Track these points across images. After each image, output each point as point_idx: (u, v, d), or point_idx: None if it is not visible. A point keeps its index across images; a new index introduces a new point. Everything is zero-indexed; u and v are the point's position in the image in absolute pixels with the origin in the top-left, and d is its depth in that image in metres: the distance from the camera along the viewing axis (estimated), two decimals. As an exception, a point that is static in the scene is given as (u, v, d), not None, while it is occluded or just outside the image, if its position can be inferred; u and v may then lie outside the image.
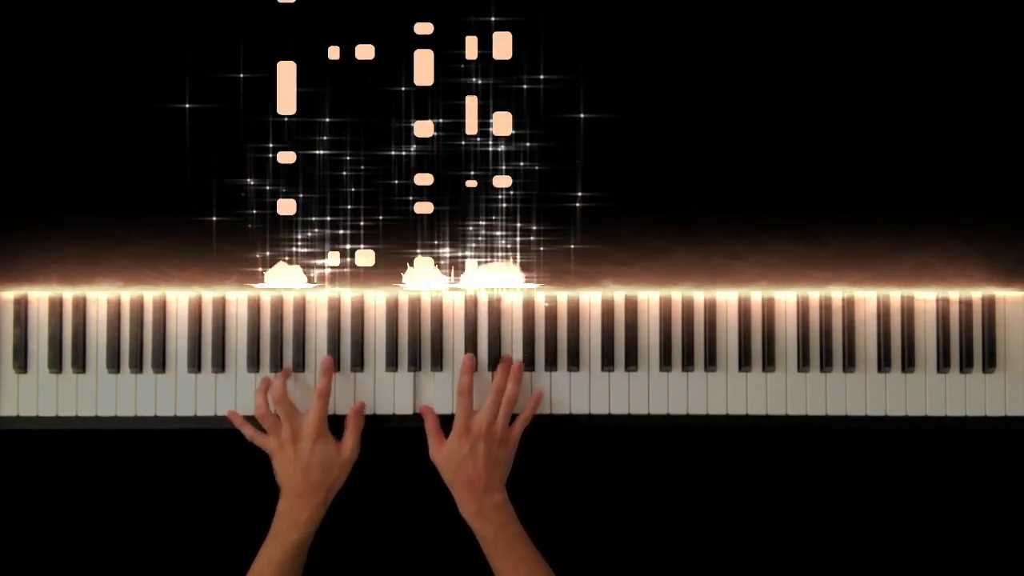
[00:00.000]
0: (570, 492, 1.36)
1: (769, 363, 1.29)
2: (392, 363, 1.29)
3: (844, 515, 1.36)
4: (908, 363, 1.29)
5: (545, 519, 1.31)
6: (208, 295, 1.29)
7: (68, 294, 1.29)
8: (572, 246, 1.28)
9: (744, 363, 1.29)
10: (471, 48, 1.28)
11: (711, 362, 1.29)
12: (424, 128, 1.28)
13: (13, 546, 1.36)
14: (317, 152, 1.28)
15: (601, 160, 1.28)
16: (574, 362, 1.29)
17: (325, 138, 1.27)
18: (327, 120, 1.28)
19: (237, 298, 1.29)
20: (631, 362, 1.29)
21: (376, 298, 1.30)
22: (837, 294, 1.30)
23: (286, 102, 1.28)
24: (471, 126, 1.28)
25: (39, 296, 1.29)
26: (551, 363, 1.29)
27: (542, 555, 1.22)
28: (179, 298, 1.29)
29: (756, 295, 1.30)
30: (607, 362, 1.29)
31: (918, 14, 1.29)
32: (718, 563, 1.36)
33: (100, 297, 1.29)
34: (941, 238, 1.29)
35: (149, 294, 1.29)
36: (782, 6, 1.29)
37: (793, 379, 1.30)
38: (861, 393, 1.29)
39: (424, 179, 1.28)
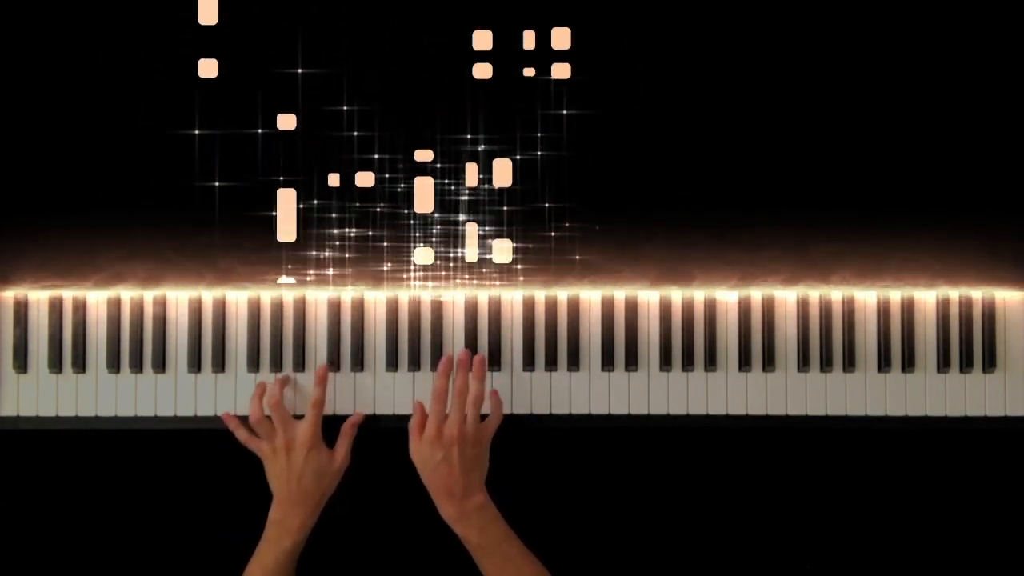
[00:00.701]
0: (570, 492, 1.36)
1: (769, 363, 1.29)
2: (392, 363, 1.29)
3: (844, 515, 1.36)
4: (908, 363, 1.29)
5: (545, 520, 1.31)
6: (208, 295, 1.29)
7: (68, 294, 1.29)
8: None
9: (744, 363, 1.29)
10: (471, 175, 1.29)
11: (711, 362, 1.29)
12: (424, 255, 1.29)
13: (13, 546, 1.36)
14: (317, 276, 1.29)
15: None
16: (574, 362, 1.29)
17: (325, 261, 1.28)
18: (327, 247, 1.29)
19: (237, 298, 1.29)
20: (631, 362, 1.29)
21: (376, 298, 1.30)
22: (837, 294, 1.30)
23: (286, 229, 1.28)
24: (471, 253, 1.29)
25: (39, 296, 1.29)
26: (551, 363, 1.29)
27: (535, 555, 1.21)
28: (179, 298, 1.29)
29: (756, 295, 1.30)
30: (607, 362, 1.29)
31: (919, 12, 1.29)
32: (719, 563, 1.36)
33: (100, 297, 1.29)
34: (941, 238, 1.29)
35: (149, 294, 1.29)
36: (782, 4, 1.29)
37: (793, 379, 1.29)
38: (861, 393, 1.29)
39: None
